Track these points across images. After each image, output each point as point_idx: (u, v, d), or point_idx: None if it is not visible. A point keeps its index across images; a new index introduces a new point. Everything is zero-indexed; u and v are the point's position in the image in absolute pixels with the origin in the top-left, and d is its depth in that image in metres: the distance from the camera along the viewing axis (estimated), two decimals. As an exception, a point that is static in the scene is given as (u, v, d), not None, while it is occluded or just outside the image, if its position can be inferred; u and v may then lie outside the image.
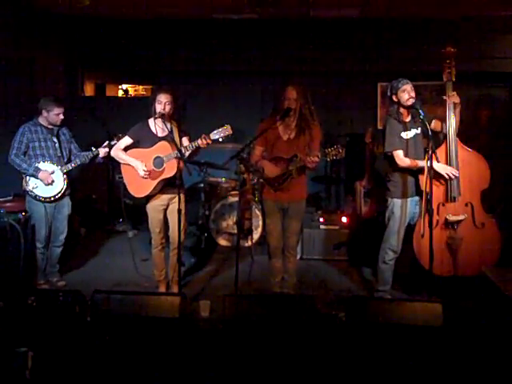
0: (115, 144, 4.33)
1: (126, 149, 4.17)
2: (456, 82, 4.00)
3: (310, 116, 3.96)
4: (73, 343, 2.74)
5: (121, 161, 4.19)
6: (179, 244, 4.08)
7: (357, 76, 7.04)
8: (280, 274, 4.24)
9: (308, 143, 3.93)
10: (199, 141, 3.92)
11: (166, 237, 4.33)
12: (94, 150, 4.50)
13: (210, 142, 3.90)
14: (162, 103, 3.98)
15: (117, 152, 4.19)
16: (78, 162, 4.51)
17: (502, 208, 5.15)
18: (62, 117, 4.48)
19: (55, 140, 4.53)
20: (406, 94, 3.91)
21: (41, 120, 4.49)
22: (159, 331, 2.79)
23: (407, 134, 3.99)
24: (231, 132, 3.87)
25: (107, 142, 4.52)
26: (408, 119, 4.01)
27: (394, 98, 3.99)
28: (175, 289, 4.29)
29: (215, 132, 3.90)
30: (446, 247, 4.06)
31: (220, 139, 3.90)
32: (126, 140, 4.17)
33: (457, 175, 3.95)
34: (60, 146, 4.54)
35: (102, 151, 4.49)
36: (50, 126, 4.51)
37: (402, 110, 3.99)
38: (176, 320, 2.81)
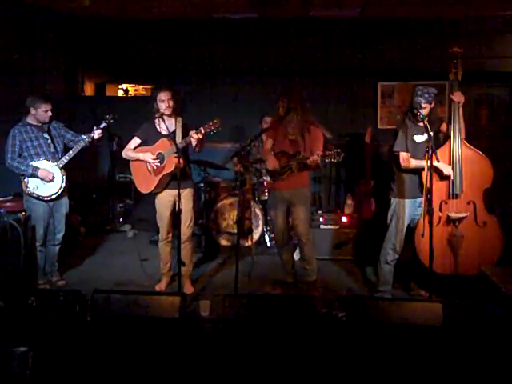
0: (104, 127, 4.52)
1: (135, 148, 4.34)
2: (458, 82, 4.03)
3: (308, 120, 4.17)
4: (73, 343, 2.74)
5: (131, 159, 4.36)
6: (179, 244, 4.07)
7: (357, 76, 7.04)
8: (289, 265, 4.51)
9: (310, 144, 4.12)
10: (192, 135, 4.03)
11: (173, 232, 4.43)
12: (84, 137, 4.48)
13: (201, 135, 4.01)
14: (165, 101, 4.13)
15: (127, 152, 4.35)
16: (72, 154, 4.47)
17: (501, 208, 5.15)
18: (50, 113, 4.46)
19: (47, 136, 4.50)
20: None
21: (29, 119, 4.46)
22: (159, 331, 2.79)
23: (420, 138, 4.03)
24: (220, 124, 3.99)
25: (95, 127, 4.51)
26: (423, 124, 4.02)
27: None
28: (188, 284, 4.45)
29: (206, 126, 4.00)
30: (447, 245, 4.06)
31: (211, 132, 4.01)
32: (135, 141, 4.34)
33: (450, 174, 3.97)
34: (53, 142, 4.51)
35: (96, 133, 4.47)
36: (39, 124, 4.48)
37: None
38: (176, 320, 2.81)
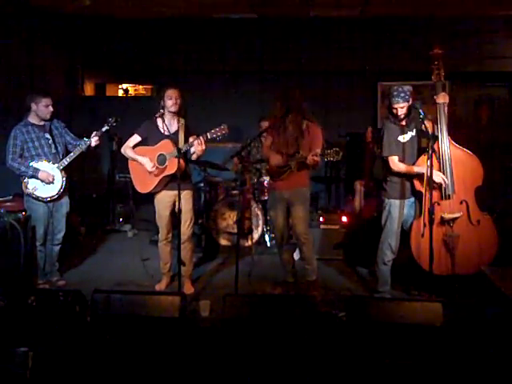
0: (106, 131, 4.52)
1: (134, 146, 4.33)
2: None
3: (307, 117, 4.16)
4: (73, 343, 2.74)
5: (129, 158, 4.34)
6: (179, 244, 4.08)
7: (357, 76, 7.04)
8: (289, 264, 4.52)
9: (310, 143, 4.10)
10: (197, 140, 4.04)
11: (173, 232, 4.44)
12: (86, 139, 4.48)
13: (206, 140, 4.03)
14: (173, 98, 4.14)
15: (125, 149, 4.33)
16: (73, 156, 4.46)
17: (501, 208, 5.15)
18: (51, 109, 4.44)
19: (48, 137, 4.49)
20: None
21: (30, 118, 4.45)
22: (159, 331, 2.79)
23: (404, 138, 4.04)
24: (228, 131, 4.00)
25: (95, 132, 4.50)
26: (404, 122, 4.04)
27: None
28: (188, 284, 4.46)
29: (212, 131, 4.01)
30: (443, 246, 4.07)
31: (217, 138, 4.03)
32: (135, 138, 4.32)
33: (446, 181, 3.98)
34: (54, 142, 4.50)
35: (93, 140, 4.46)
36: (41, 123, 4.46)
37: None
38: (176, 320, 2.81)
